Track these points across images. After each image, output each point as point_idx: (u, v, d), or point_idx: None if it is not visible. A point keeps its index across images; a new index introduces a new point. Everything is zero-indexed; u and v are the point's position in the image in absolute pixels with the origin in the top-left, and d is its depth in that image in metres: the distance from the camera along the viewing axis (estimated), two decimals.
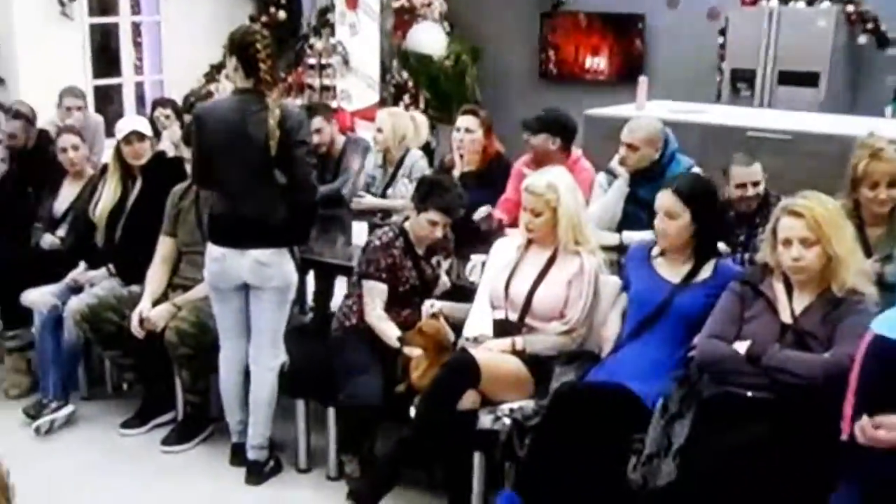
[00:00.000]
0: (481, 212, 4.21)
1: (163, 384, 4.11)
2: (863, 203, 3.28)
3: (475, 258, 3.85)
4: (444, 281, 3.82)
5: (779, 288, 2.93)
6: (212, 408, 4.02)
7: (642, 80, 6.15)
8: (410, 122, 4.93)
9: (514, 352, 3.29)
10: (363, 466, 3.51)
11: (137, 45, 8.13)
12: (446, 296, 3.77)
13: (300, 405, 3.77)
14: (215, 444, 3.98)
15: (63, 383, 4.24)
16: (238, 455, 3.81)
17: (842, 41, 7.07)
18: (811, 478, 2.58)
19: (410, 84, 8.34)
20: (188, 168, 3.94)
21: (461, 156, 4.58)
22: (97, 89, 7.43)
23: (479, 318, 3.58)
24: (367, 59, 7.73)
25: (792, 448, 2.67)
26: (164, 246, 4.06)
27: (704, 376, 2.95)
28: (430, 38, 8.46)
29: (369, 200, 4.78)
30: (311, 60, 8.21)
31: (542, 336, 3.33)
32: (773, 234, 2.90)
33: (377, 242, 3.67)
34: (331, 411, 3.65)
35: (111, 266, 4.28)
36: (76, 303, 4.12)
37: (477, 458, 3.24)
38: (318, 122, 4.89)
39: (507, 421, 3.10)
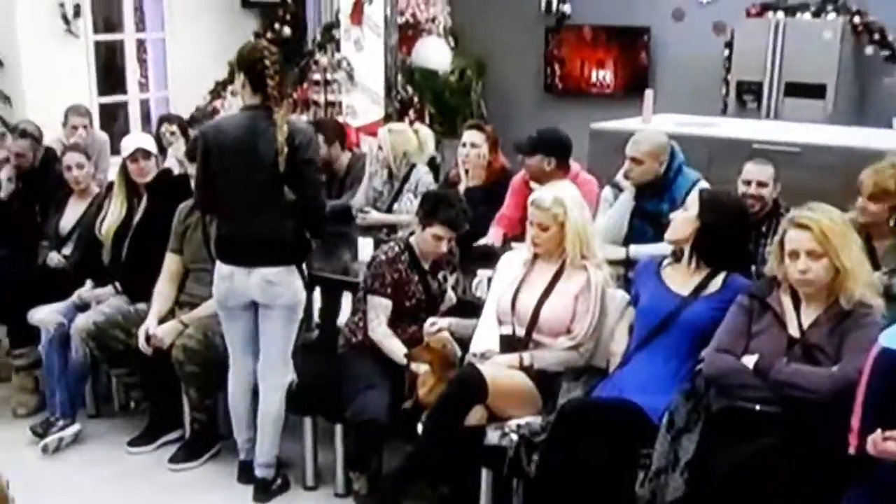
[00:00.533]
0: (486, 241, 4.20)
1: (170, 402, 4.11)
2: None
3: (481, 273, 3.85)
4: (451, 296, 3.82)
5: (786, 301, 2.92)
6: (219, 425, 4.02)
7: (648, 94, 6.16)
8: (413, 137, 4.93)
9: (522, 367, 3.29)
10: (371, 483, 3.51)
11: (142, 62, 8.17)
12: (452, 311, 3.77)
13: (307, 422, 3.76)
14: (223, 462, 3.97)
15: (70, 401, 4.24)
16: (246, 472, 3.80)
17: (848, 52, 7.08)
18: (819, 492, 2.56)
19: (416, 99, 8.37)
20: (193, 185, 3.95)
21: (466, 171, 4.59)
22: (102, 107, 7.46)
23: (485, 334, 3.56)
24: (372, 74, 7.77)
25: (800, 462, 2.65)
26: (171, 263, 4.07)
27: (712, 390, 2.95)
28: (434, 53, 8.51)
29: (375, 216, 4.79)
30: (317, 76, 8.24)
31: (549, 351, 3.32)
32: (781, 246, 2.90)
33: (382, 257, 3.67)
34: (338, 428, 3.64)
35: (117, 284, 4.29)
36: (83, 321, 4.12)
37: (484, 474, 3.23)
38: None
39: (515, 437, 3.08)
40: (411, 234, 3.78)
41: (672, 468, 2.82)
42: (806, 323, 2.85)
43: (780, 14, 7.27)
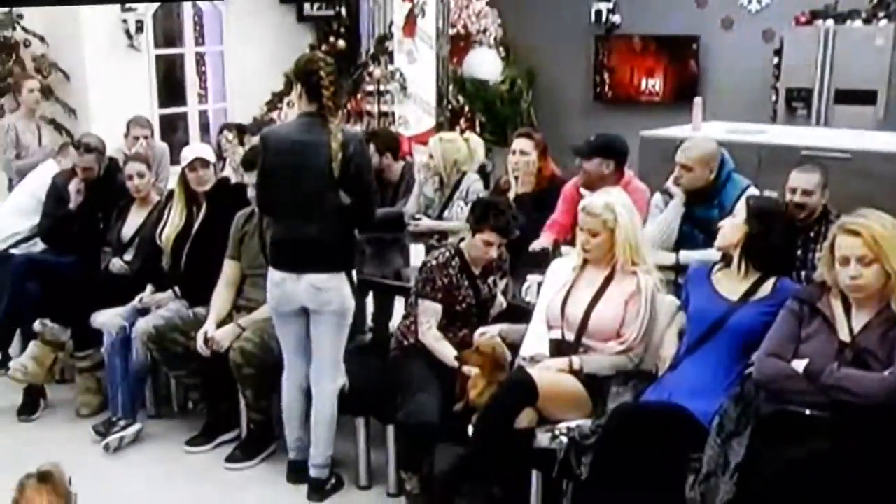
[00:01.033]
0: (537, 245, 4.25)
1: (227, 403, 4.20)
2: None
3: (531, 278, 3.87)
4: (501, 301, 3.86)
5: (836, 306, 2.90)
6: (275, 426, 4.08)
7: (697, 102, 6.15)
8: (463, 146, 4.99)
9: (571, 371, 3.30)
10: (423, 484, 3.53)
11: (201, 74, 8.36)
12: (502, 316, 3.81)
13: (360, 423, 3.82)
14: (278, 462, 4.03)
15: (131, 402, 4.35)
16: (295, 472, 3.87)
17: None
18: (871, 496, 2.55)
19: (466, 108, 8.43)
20: (250, 193, 4.06)
21: (516, 178, 4.63)
22: (163, 118, 7.65)
23: (535, 338, 3.58)
24: (424, 85, 7.85)
25: (851, 466, 2.64)
26: (229, 269, 4.17)
27: (762, 394, 2.94)
28: (485, 64, 8.57)
29: (426, 223, 4.85)
30: (370, 87, 8.36)
31: (598, 356, 3.34)
32: (831, 252, 2.89)
33: (433, 263, 3.72)
34: (390, 429, 3.69)
35: (177, 289, 4.40)
36: (143, 324, 4.24)
37: (534, 476, 3.27)
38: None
39: (565, 439, 3.10)
40: (462, 240, 3.82)
41: (722, 472, 2.81)
42: (857, 327, 2.84)
43: (830, 21, 7.19)
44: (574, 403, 3.26)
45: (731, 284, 3.22)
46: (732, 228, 3.24)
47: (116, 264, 4.74)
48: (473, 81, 8.52)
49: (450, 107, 8.24)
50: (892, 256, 2.77)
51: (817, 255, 3.52)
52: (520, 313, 3.77)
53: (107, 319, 4.40)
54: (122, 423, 4.29)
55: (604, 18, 8.73)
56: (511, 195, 4.52)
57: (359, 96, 8.41)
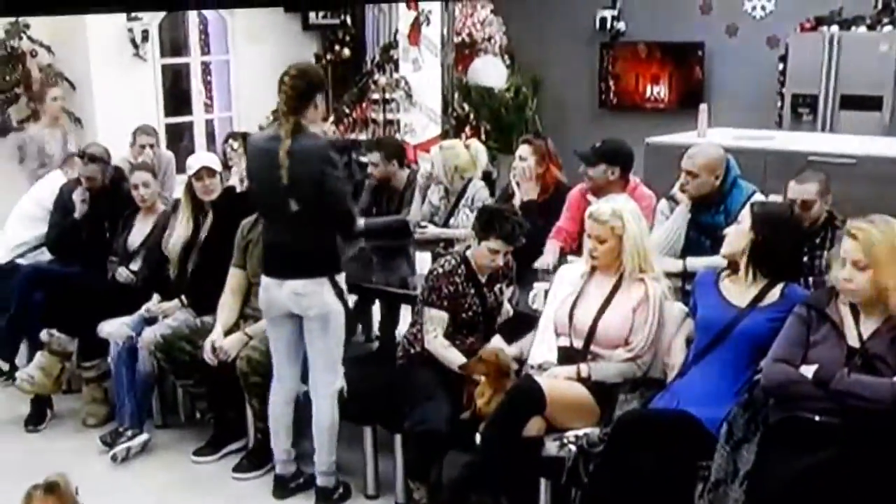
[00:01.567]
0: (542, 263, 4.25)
1: (234, 412, 4.20)
2: None
3: (538, 286, 3.87)
4: (507, 308, 3.86)
5: (845, 312, 2.89)
6: None
7: (703, 108, 6.16)
8: (463, 152, 4.97)
9: (579, 378, 3.30)
10: (431, 493, 3.53)
11: (207, 83, 8.39)
12: (509, 323, 3.81)
13: (368, 432, 3.82)
14: None
15: (138, 412, 4.35)
16: (280, 488, 3.86)
17: None
18: (882, 503, 2.54)
19: (472, 116, 8.44)
20: None
21: (517, 184, 4.63)
22: (169, 127, 7.67)
23: (543, 346, 3.59)
24: (429, 93, 7.86)
25: (862, 473, 2.63)
26: (235, 278, 4.17)
27: (770, 401, 2.93)
28: (490, 72, 8.58)
29: (432, 230, 4.85)
30: (375, 96, 8.37)
31: (606, 363, 3.33)
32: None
33: (439, 270, 3.73)
34: (398, 438, 3.69)
35: (184, 297, 4.40)
36: (150, 334, 4.25)
37: (543, 484, 3.26)
38: (375, 157, 5.02)
39: (573, 447, 3.09)
40: (468, 247, 3.82)
41: (731, 479, 2.81)
42: (865, 333, 2.83)
43: (835, 28, 7.19)
44: (582, 411, 3.25)
45: (738, 291, 3.21)
46: (738, 235, 3.23)
47: (123, 273, 4.75)
48: (478, 89, 8.53)
49: (455, 114, 8.25)
50: (883, 267, 2.76)
51: (823, 261, 3.52)
52: (526, 321, 3.77)
53: (113, 329, 4.41)
54: (128, 433, 4.30)
55: (609, 26, 8.75)
56: (516, 202, 4.52)
57: (364, 104, 8.42)
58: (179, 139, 8.10)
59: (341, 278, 3.64)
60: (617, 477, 2.95)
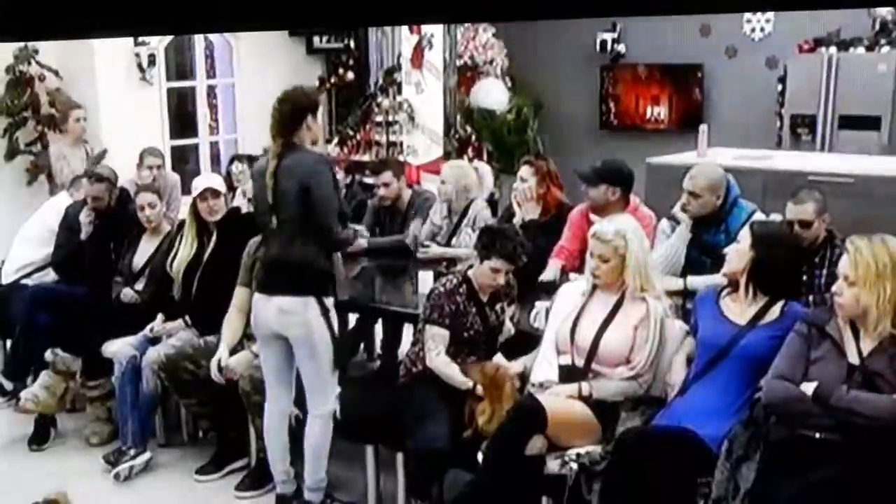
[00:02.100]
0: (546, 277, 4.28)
1: (236, 432, 4.22)
2: None
3: (539, 305, 3.88)
4: (509, 327, 3.87)
5: (845, 328, 2.91)
6: None
7: (702, 129, 6.19)
8: (471, 172, 5.04)
9: (581, 397, 3.31)
10: None
11: (212, 106, 8.46)
12: (510, 342, 3.82)
13: (369, 450, 3.82)
14: None
15: (141, 431, 4.36)
16: None
17: None
18: None
19: (474, 138, 8.49)
20: None
21: (518, 204, 4.67)
22: (174, 149, 7.73)
23: (544, 364, 3.60)
24: (431, 115, 7.91)
25: (863, 490, 2.64)
26: (239, 296, 4.16)
27: (771, 418, 2.94)
28: (492, 94, 8.63)
29: (435, 249, 4.88)
30: (379, 118, 8.44)
31: (608, 381, 3.35)
32: None
33: (441, 289, 3.74)
34: (399, 456, 3.69)
35: (187, 317, 4.42)
36: (154, 353, 4.26)
37: (545, 502, 3.27)
38: (387, 176, 5.07)
39: (574, 465, 3.11)
40: (469, 266, 3.84)
41: (731, 497, 2.82)
42: (865, 350, 2.85)
43: (833, 49, 7.24)
44: (584, 429, 3.27)
45: (739, 309, 3.23)
46: (738, 255, 3.25)
47: (127, 294, 4.78)
48: (480, 111, 8.58)
49: (457, 136, 8.30)
50: (866, 285, 2.78)
51: (823, 280, 3.55)
52: (528, 340, 3.79)
53: (117, 348, 4.43)
54: (132, 451, 4.31)
55: (609, 48, 8.81)
56: (517, 221, 4.55)
57: (367, 126, 8.49)
58: (185, 161, 8.16)
59: (329, 301, 3.64)
60: (619, 494, 2.97)
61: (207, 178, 4.67)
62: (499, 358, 3.71)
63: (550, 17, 0.80)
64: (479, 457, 3.27)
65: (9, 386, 5.01)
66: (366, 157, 8.10)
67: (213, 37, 8.21)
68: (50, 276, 5.13)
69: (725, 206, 4.01)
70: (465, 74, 8.56)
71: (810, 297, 3.55)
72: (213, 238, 4.43)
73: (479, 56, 8.82)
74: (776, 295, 3.20)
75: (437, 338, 3.69)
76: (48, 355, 4.58)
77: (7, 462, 4.48)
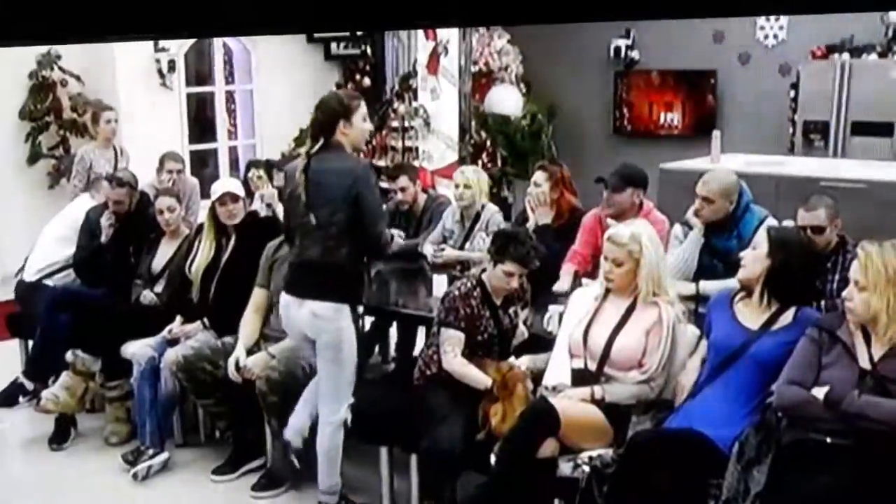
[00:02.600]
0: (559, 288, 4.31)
1: (253, 432, 4.25)
2: None
3: (552, 308, 3.91)
4: (522, 331, 3.91)
5: (856, 333, 2.92)
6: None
7: (715, 135, 6.22)
8: (487, 178, 5.10)
9: (593, 400, 3.33)
10: None
11: (231, 112, 8.54)
12: (524, 346, 3.85)
13: (383, 451, 3.85)
14: (303, 491, 4.08)
15: (159, 431, 4.41)
16: None
17: None
18: None
19: (488, 143, 8.53)
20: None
21: (532, 209, 4.71)
22: (193, 154, 7.80)
23: (557, 368, 3.62)
24: (447, 121, 7.96)
25: (874, 495, 2.66)
26: (257, 297, 4.24)
27: (783, 422, 2.95)
28: (507, 100, 8.68)
29: (450, 253, 4.92)
30: (395, 123, 8.50)
31: (620, 385, 3.37)
32: None
33: (456, 293, 3.78)
34: (413, 458, 3.72)
35: (206, 319, 4.46)
36: (172, 354, 4.30)
37: None
38: (403, 181, 5.13)
39: (587, 468, 3.12)
40: (483, 270, 3.88)
41: (742, 499, 2.83)
42: (876, 355, 2.86)
43: (846, 55, 7.25)
44: (596, 433, 3.29)
45: (751, 313, 3.24)
46: (755, 260, 3.25)
47: (147, 296, 4.83)
48: (495, 117, 8.63)
49: (472, 142, 8.34)
50: (875, 290, 2.80)
51: (835, 285, 3.56)
52: (541, 343, 3.81)
53: (136, 350, 4.47)
54: (150, 451, 4.35)
55: (623, 54, 8.83)
56: (530, 226, 4.58)
57: (384, 132, 8.54)
58: (204, 166, 8.23)
59: (360, 309, 3.71)
60: (630, 497, 2.99)
61: (226, 183, 4.71)
62: (511, 361, 3.74)
63: (564, 21, 0.83)
64: (492, 459, 3.29)
65: (30, 386, 5.07)
66: (381, 162, 8.15)
67: (231, 43, 8.29)
68: (71, 277, 5.18)
69: (738, 212, 4.03)
70: (480, 80, 8.60)
71: (822, 303, 3.57)
72: (232, 241, 4.48)
73: (494, 62, 8.88)
74: (790, 301, 3.20)
75: (452, 340, 3.72)
76: (68, 356, 4.63)
77: (27, 461, 4.55)
